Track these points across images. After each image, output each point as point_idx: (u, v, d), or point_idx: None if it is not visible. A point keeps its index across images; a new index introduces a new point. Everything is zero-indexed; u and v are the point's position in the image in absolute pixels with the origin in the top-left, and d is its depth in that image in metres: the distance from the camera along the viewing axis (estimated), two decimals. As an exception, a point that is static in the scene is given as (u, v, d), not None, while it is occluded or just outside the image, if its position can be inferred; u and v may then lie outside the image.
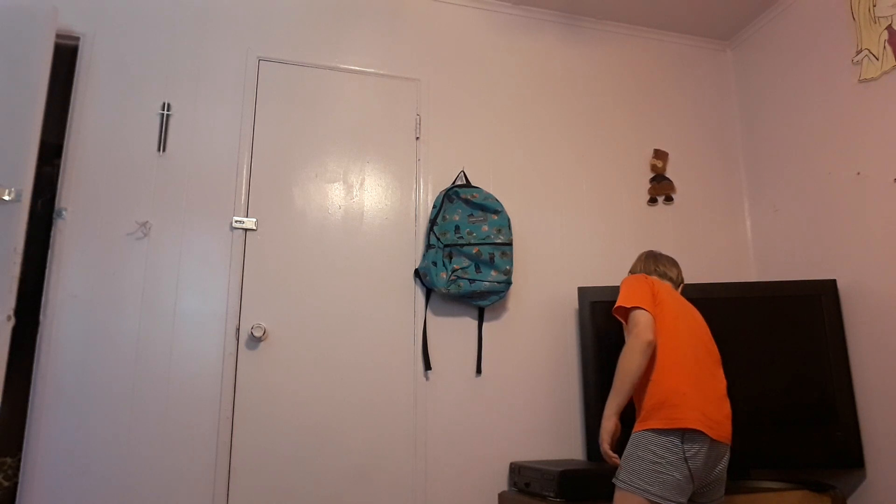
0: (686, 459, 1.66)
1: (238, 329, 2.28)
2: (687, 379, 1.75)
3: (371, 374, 2.39)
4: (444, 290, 2.43)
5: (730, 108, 3.15)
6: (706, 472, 1.70)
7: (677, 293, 2.00)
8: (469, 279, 2.43)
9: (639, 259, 2.15)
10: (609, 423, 1.76)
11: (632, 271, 2.12)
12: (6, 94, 2.05)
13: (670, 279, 2.06)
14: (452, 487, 2.38)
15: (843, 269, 2.44)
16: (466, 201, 2.53)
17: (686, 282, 2.65)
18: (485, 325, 2.54)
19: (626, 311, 1.84)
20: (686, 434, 1.68)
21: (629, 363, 1.75)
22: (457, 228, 2.49)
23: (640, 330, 1.77)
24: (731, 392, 2.33)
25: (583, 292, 2.50)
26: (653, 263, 2.09)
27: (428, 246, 2.49)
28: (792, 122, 2.78)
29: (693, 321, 1.90)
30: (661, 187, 2.94)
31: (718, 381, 1.82)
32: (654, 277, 2.01)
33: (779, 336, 2.37)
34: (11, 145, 2.00)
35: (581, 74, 2.97)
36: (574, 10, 2.97)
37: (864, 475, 2.29)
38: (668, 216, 2.92)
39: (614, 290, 2.42)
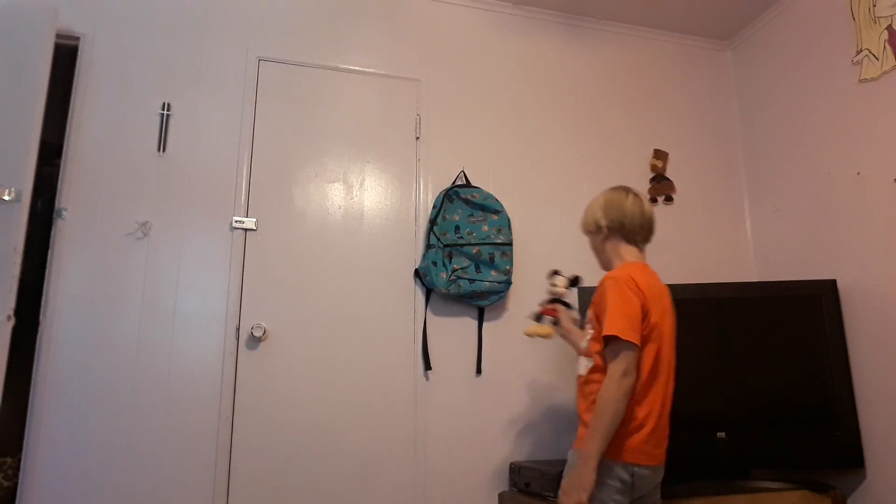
0: (633, 484, 1.60)
1: (238, 329, 2.28)
2: (651, 411, 1.62)
3: (371, 373, 2.39)
4: (444, 290, 2.43)
5: (730, 108, 3.14)
6: (647, 489, 1.65)
7: (657, 283, 1.74)
8: (469, 279, 2.43)
9: (615, 206, 1.78)
10: (593, 474, 1.54)
11: (609, 225, 1.78)
12: (6, 94, 2.05)
13: (648, 241, 1.83)
14: (452, 487, 2.38)
15: (843, 269, 2.44)
16: (466, 201, 2.53)
17: (686, 282, 2.65)
18: (485, 325, 2.54)
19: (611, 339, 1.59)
20: (636, 465, 1.61)
21: (614, 407, 1.55)
22: (457, 228, 2.49)
23: (628, 371, 1.56)
24: (732, 392, 2.34)
25: (583, 292, 2.50)
26: (639, 225, 1.78)
27: (428, 246, 2.49)
28: (792, 122, 2.77)
29: (670, 325, 1.71)
30: (661, 187, 2.94)
31: (671, 398, 1.69)
32: (640, 266, 1.75)
33: (779, 336, 2.37)
34: (11, 145, 2.00)
35: (581, 74, 2.97)
36: (574, 10, 2.97)
37: (864, 475, 2.29)
38: (668, 216, 2.91)
39: (614, 290, 2.41)
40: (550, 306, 2.06)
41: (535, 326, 2.05)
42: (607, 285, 1.66)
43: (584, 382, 1.72)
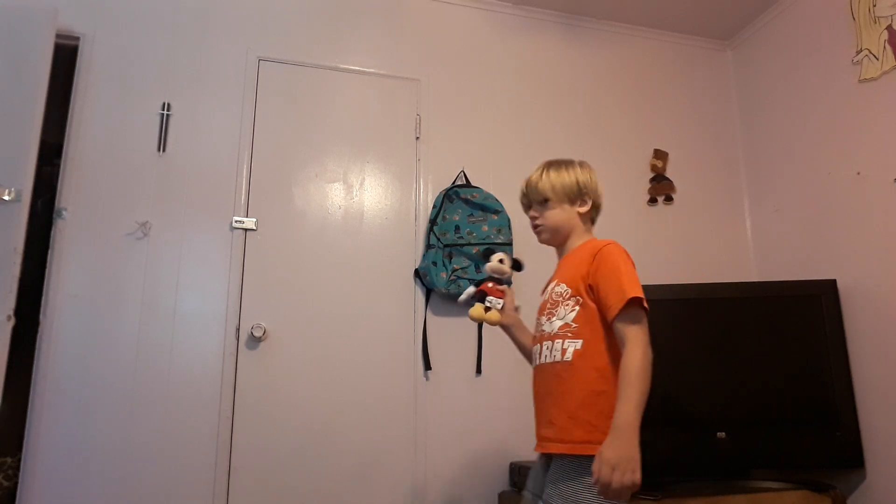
0: None
1: (238, 329, 2.28)
2: None
3: (371, 373, 2.38)
4: (444, 290, 2.43)
5: (730, 108, 3.14)
6: None
7: None
8: (469, 279, 2.43)
9: (595, 182, 1.66)
10: (638, 450, 1.32)
11: (594, 200, 1.65)
12: (6, 94, 2.05)
13: None
14: (452, 487, 2.38)
15: (843, 269, 2.44)
16: (466, 201, 2.54)
17: (686, 282, 2.65)
18: (485, 324, 2.54)
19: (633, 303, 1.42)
20: None
21: (648, 375, 1.36)
22: (457, 228, 2.49)
23: (648, 340, 1.41)
24: (732, 392, 2.34)
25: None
26: (600, 205, 1.69)
27: (428, 246, 2.49)
28: (792, 122, 2.77)
29: None
30: (661, 187, 2.94)
31: None
32: None
33: (779, 336, 2.37)
34: (11, 145, 2.00)
35: (581, 74, 2.97)
36: (574, 10, 2.97)
37: (864, 475, 2.29)
38: (668, 216, 2.91)
39: (614, 290, 2.41)
40: (496, 286, 1.73)
41: (479, 310, 1.70)
42: (611, 250, 1.49)
43: (562, 369, 1.47)
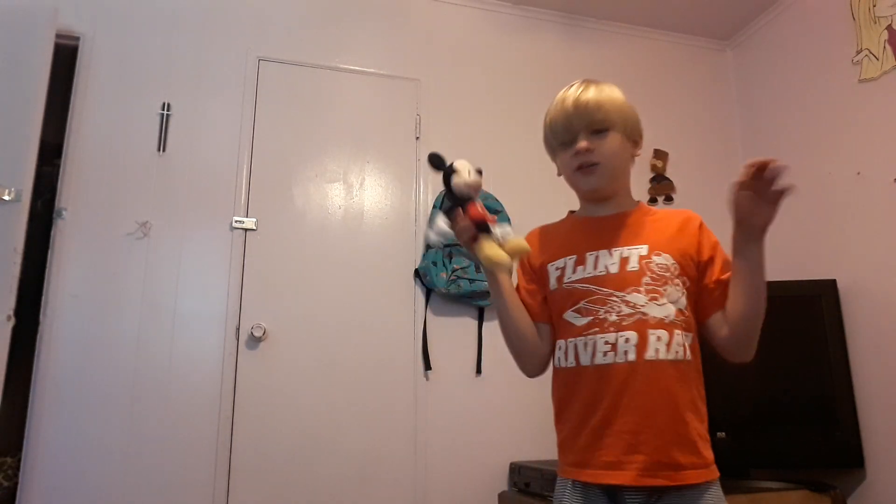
0: None
1: (238, 329, 2.28)
2: None
3: (371, 374, 2.38)
4: (444, 290, 2.43)
5: (730, 108, 3.14)
6: None
7: None
8: (469, 279, 2.43)
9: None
10: None
11: (639, 127, 1.29)
12: (6, 94, 2.05)
13: None
14: (452, 487, 2.38)
15: (843, 269, 2.44)
16: (466, 201, 2.54)
17: (686, 282, 2.64)
18: (485, 325, 2.54)
19: None
20: None
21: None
22: (457, 228, 2.49)
23: None
24: (732, 392, 2.33)
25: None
26: None
27: (428, 246, 2.49)
28: (792, 122, 2.77)
29: None
30: (661, 187, 2.94)
31: None
32: None
33: (779, 336, 2.35)
34: (11, 145, 2.00)
35: (581, 74, 2.94)
36: (574, 10, 2.97)
37: (864, 475, 2.29)
38: (668, 216, 2.91)
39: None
40: (482, 210, 1.22)
41: (495, 247, 1.23)
42: (701, 220, 1.24)
43: (686, 371, 1.12)
